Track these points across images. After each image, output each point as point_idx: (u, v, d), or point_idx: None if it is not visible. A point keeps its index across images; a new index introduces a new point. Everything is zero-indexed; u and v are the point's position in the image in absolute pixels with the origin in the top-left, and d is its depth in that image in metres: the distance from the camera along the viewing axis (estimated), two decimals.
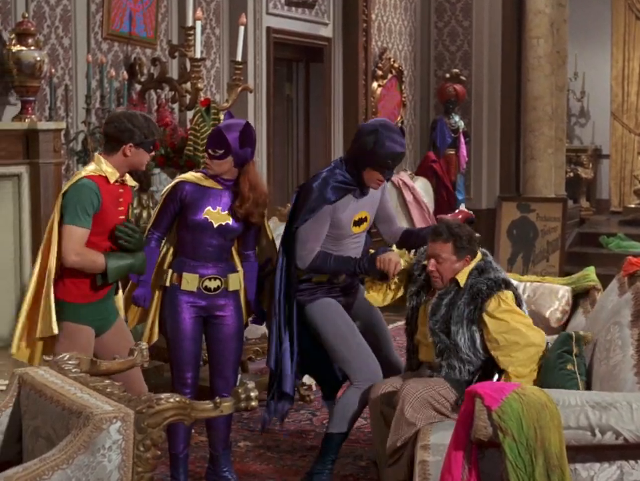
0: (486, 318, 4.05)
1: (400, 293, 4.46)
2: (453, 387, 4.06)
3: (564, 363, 3.88)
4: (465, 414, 3.37)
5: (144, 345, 3.53)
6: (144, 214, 5.99)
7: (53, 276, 3.94)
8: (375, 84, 9.41)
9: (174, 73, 6.61)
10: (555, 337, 4.21)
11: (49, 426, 2.94)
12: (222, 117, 5.62)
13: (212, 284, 4.37)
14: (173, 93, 6.38)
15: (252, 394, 2.99)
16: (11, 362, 4.76)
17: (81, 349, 3.93)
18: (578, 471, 3.38)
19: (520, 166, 10.31)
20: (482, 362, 4.10)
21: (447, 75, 10.19)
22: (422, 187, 8.92)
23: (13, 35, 5.32)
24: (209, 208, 4.31)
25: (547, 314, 4.99)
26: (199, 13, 5.86)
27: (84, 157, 5.71)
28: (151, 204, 6.02)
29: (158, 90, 6.57)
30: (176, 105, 6.57)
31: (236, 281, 4.44)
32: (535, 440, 3.27)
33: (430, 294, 4.28)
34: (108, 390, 2.98)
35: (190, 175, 4.39)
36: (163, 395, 2.88)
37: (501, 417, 3.27)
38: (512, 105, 10.46)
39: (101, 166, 4.02)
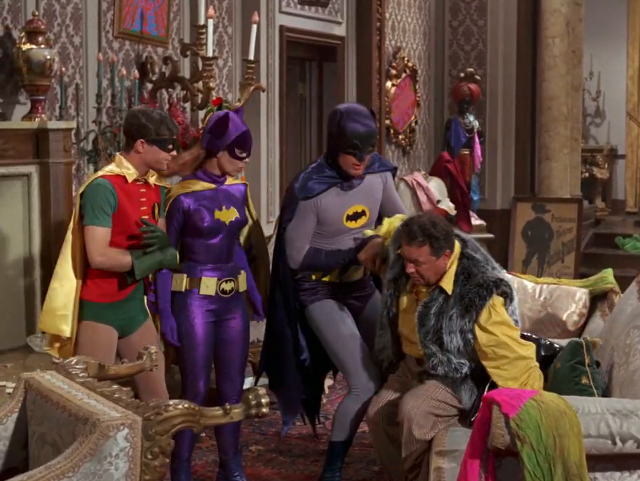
0: (477, 329, 3.93)
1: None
2: (448, 387, 4.01)
3: (578, 376, 3.79)
4: (482, 421, 3.29)
5: (153, 348, 3.46)
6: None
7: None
8: (388, 83, 9.34)
9: (185, 72, 6.56)
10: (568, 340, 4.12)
11: (55, 432, 2.88)
12: None
13: (228, 286, 4.34)
14: (185, 92, 6.32)
15: (263, 400, 2.92)
16: (19, 364, 4.73)
17: (101, 349, 3.91)
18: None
19: (535, 166, 10.21)
20: (475, 363, 4.00)
21: (462, 75, 10.10)
22: (436, 187, 8.80)
23: (23, 34, 5.26)
24: (216, 210, 4.28)
25: (564, 317, 4.91)
26: (211, 11, 5.79)
27: (95, 157, 5.65)
28: None
29: (170, 89, 6.53)
30: (187, 105, 6.52)
31: (244, 282, 4.43)
32: (554, 449, 3.19)
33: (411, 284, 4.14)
34: (116, 395, 2.91)
35: (179, 187, 4.31)
36: (171, 402, 2.81)
37: (519, 425, 3.19)
38: (527, 105, 10.38)
39: (121, 166, 4.01)
